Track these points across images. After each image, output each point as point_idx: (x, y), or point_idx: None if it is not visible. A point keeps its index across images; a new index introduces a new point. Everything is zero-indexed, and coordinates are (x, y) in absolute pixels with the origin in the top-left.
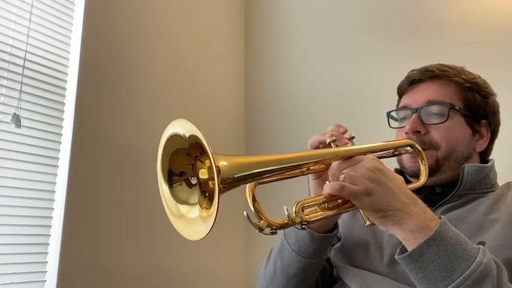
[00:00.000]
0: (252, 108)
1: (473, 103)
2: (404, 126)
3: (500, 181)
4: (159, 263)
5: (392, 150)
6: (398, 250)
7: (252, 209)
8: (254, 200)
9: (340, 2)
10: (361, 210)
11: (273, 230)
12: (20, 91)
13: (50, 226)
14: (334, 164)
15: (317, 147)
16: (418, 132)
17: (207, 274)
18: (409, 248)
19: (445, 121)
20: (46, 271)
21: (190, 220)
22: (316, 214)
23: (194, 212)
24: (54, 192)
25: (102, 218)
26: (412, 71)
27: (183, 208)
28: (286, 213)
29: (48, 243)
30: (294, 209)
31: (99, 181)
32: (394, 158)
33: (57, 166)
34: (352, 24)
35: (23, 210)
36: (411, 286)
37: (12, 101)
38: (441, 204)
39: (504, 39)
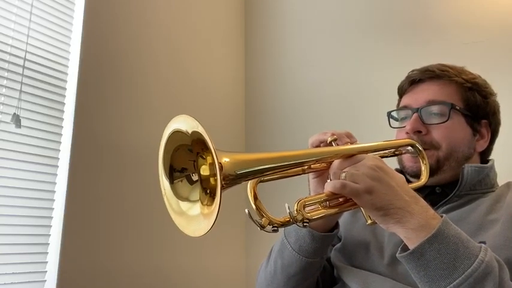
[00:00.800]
0: (252, 108)
1: (474, 103)
2: (404, 126)
3: (500, 181)
4: (159, 262)
5: (393, 149)
6: (399, 248)
7: (254, 206)
8: (256, 198)
9: (340, 2)
10: (362, 209)
11: (275, 228)
12: (20, 91)
13: (50, 226)
14: (336, 163)
15: (318, 146)
16: (419, 132)
17: (207, 274)
18: (411, 247)
19: (446, 121)
20: (46, 271)
21: (192, 217)
22: (317, 212)
23: (195, 209)
24: (54, 192)
25: (102, 218)
26: (413, 71)
27: (184, 205)
28: (288, 210)
29: (48, 243)
30: (295, 206)
31: (99, 181)
32: (394, 159)
33: (57, 166)
34: (352, 24)
35: (23, 210)
36: (412, 286)
37: (12, 101)
38: (441, 204)
39: (504, 39)
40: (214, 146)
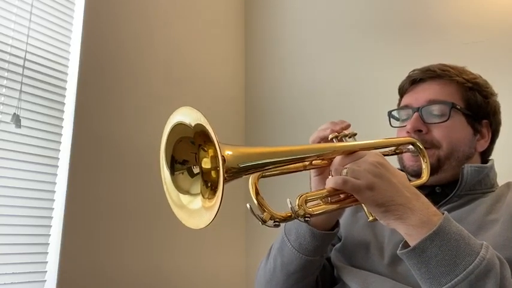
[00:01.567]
0: (251, 106)
1: (475, 103)
2: (405, 126)
3: (500, 181)
4: (159, 262)
5: (394, 147)
6: (400, 245)
7: (255, 201)
8: (257, 193)
9: (340, 2)
10: (363, 205)
11: (276, 223)
12: (20, 91)
13: (50, 226)
14: (337, 159)
15: (318, 142)
16: (420, 131)
17: (207, 274)
18: (412, 243)
19: (446, 120)
20: (46, 271)
21: (193, 211)
22: (319, 208)
23: (197, 202)
24: (54, 192)
25: (102, 218)
26: (414, 70)
27: (184, 198)
28: (290, 205)
29: (48, 243)
30: (297, 201)
31: (99, 181)
32: (395, 158)
33: (57, 166)
34: (352, 23)
35: (23, 210)
36: (412, 286)
37: (12, 101)
38: (441, 204)
39: (504, 39)
40: (217, 138)
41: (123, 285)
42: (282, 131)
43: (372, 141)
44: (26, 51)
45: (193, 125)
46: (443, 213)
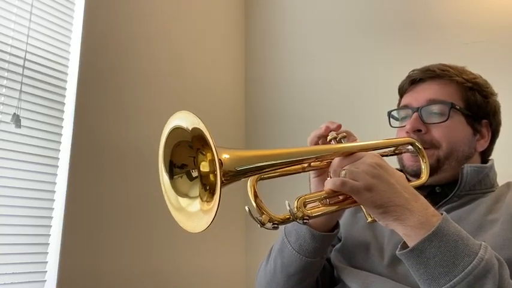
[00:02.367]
0: (252, 107)
1: (474, 103)
2: (405, 126)
3: (500, 181)
4: (159, 263)
5: (393, 148)
6: (399, 246)
7: (254, 204)
8: (256, 195)
9: (340, 2)
10: (362, 207)
11: (275, 225)
12: (20, 91)
13: (50, 226)
14: (336, 161)
15: (316, 143)
16: (419, 131)
17: (207, 274)
18: (411, 244)
19: (446, 120)
20: (46, 271)
21: (191, 213)
22: (317, 209)
23: (195, 205)
24: (54, 192)
25: (102, 218)
26: (413, 70)
27: (183, 201)
28: (288, 208)
29: (48, 243)
30: (295, 203)
31: (99, 181)
32: (394, 158)
33: (57, 166)
34: (352, 23)
35: (23, 210)
36: (412, 287)
37: (12, 101)
38: (441, 204)
39: (504, 39)
40: (215, 142)
41: (123, 285)
42: (283, 132)
43: (371, 142)
44: (26, 51)
45: (190, 128)
46: (442, 214)
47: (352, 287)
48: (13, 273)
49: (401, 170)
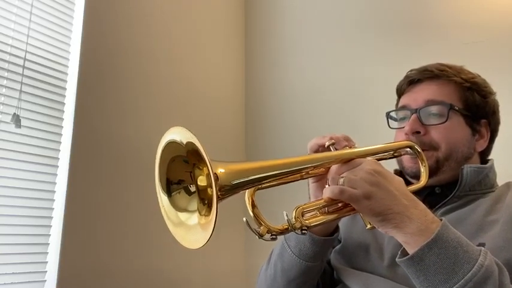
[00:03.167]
0: (252, 110)
1: (473, 103)
2: (403, 127)
3: (500, 181)
4: (159, 263)
5: (392, 152)
6: (399, 253)
7: (252, 215)
8: (253, 206)
9: (340, 2)
10: (361, 214)
11: (273, 236)
12: (20, 91)
13: (50, 226)
14: (334, 168)
15: (316, 151)
16: (418, 132)
17: (207, 276)
18: (410, 251)
19: (445, 121)
20: (46, 271)
21: (190, 227)
22: (316, 219)
23: (193, 219)
24: (54, 192)
25: (102, 218)
26: (411, 70)
27: (182, 215)
28: (286, 218)
29: (48, 243)
30: (293, 214)
31: (99, 181)
32: (393, 161)
33: (57, 166)
34: (352, 24)
35: (23, 210)
36: None
37: (12, 101)
38: (441, 205)
39: (504, 39)
40: (210, 156)
41: (123, 285)
42: (283, 134)
43: (369, 147)
44: (26, 51)
45: (185, 143)
46: (441, 220)
47: None
48: (13, 273)
49: (400, 172)
